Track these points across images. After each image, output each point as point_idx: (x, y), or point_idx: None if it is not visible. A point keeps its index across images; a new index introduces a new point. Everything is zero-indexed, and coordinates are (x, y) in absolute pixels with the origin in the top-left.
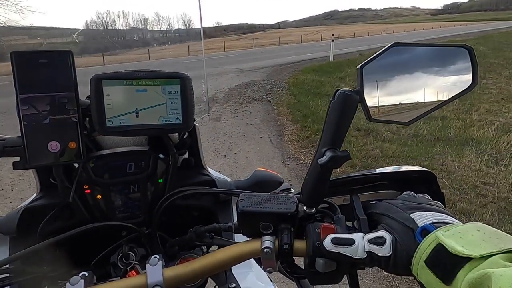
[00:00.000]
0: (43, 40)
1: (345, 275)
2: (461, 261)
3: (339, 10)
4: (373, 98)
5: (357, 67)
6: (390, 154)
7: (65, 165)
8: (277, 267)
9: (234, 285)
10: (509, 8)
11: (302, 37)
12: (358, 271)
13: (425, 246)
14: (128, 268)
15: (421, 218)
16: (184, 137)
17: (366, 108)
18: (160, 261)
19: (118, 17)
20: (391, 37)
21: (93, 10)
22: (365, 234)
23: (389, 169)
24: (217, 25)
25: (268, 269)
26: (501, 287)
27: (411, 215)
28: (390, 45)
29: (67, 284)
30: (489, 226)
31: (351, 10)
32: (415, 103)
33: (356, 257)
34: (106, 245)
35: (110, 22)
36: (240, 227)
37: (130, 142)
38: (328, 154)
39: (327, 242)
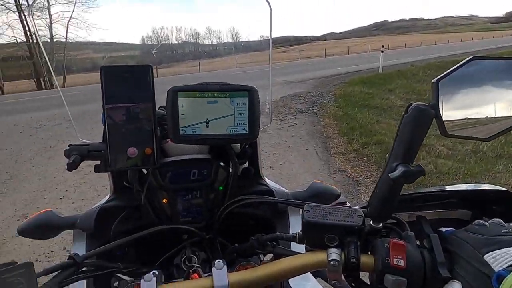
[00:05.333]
0: (105, 54)
1: None
2: None
3: (389, 20)
4: (449, 112)
5: (433, 81)
6: (445, 170)
7: (140, 169)
8: (342, 281)
9: None
10: None
11: (349, 49)
12: None
13: None
14: (191, 271)
15: (496, 261)
16: (246, 147)
17: (441, 122)
18: (225, 266)
19: (171, 32)
20: (445, 47)
21: (149, 27)
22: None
23: (462, 186)
24: (262, 38)
25: (333, 282)
26: None
27: (485, 256)
28: (469, 59)
29: (142, 280)
30: None
31: (401, 20)
32: (494, 118)
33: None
34: (169, 247)
35: (164, 37)
36: (305, 238)
37: (191, 151)
38: (401, 169)
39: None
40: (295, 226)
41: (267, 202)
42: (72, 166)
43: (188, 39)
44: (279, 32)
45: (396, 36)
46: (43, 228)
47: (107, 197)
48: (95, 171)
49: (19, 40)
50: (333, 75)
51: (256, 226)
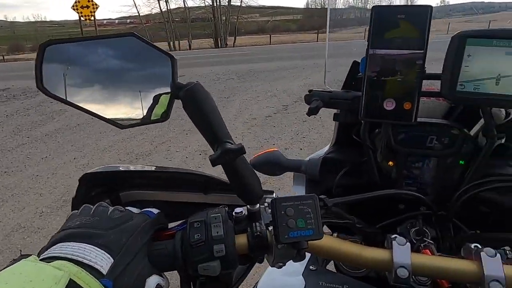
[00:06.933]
0: (270, 18)
1: None
2: None
3: None
4: None
5: None
6: None
7: (393, 124)
8: None
9: None
10: None
11: None
12: None
13: None
14: (422, 245)
15: None
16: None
17: None
18: (499, 255)
19: None
20: None
21: None
22: None
23: None
24: (441, 4)
25: None
26: None
27: None
28: None
29: (394, 242)
30: None
31: None
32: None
33: None
34: (386, 213)
35: (328, 1)
36: None
37: (432, 113)
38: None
39: None
40: None
41: None
42: (313, 111)
43: (355, 4)
44: None
45: None
46: (271, 165)
47: (327, 147)
48: (334, 119)
49: (206, 4)
50: None
51: (498, 216)
